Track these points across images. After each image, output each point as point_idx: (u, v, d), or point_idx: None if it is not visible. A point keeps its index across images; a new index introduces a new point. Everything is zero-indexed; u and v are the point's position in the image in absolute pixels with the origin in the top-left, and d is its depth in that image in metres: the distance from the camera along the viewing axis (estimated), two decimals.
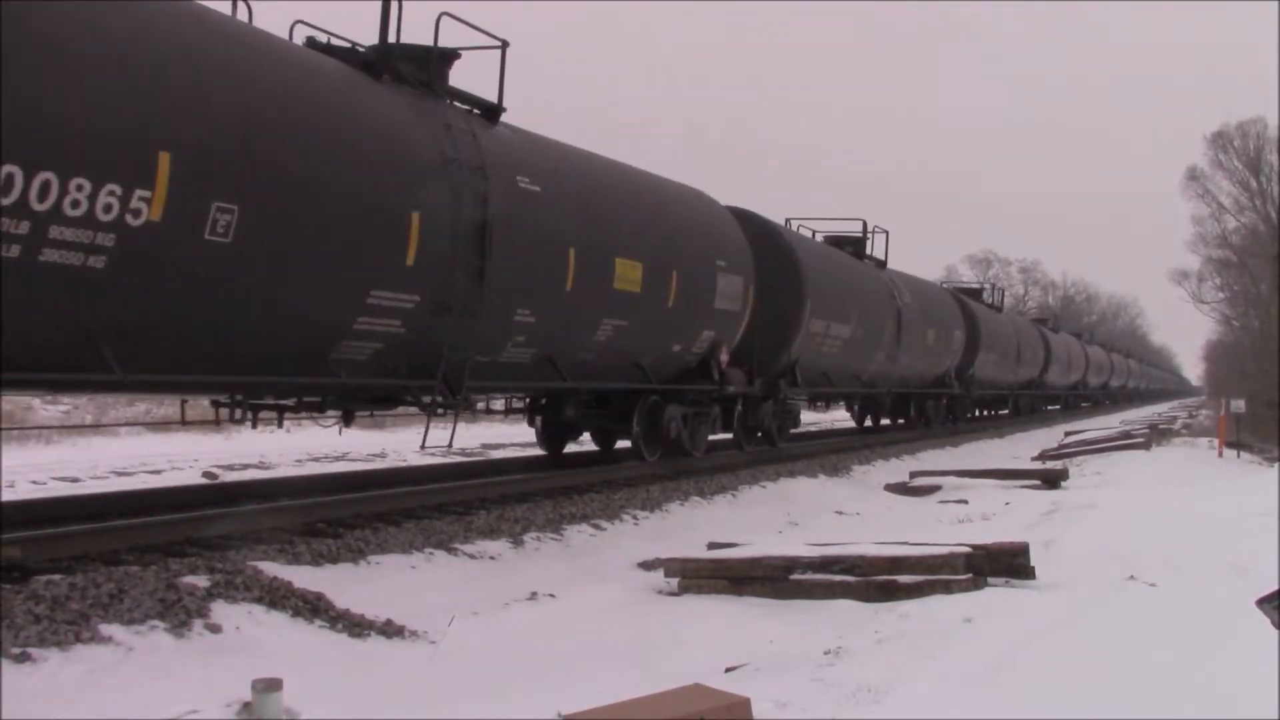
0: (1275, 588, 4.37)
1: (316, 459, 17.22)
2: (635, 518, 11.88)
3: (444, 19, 10.49)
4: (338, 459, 17.34)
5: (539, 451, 16.33)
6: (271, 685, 4.68)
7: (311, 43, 9.93)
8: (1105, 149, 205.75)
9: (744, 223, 17.13)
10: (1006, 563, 8.71)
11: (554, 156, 12.23)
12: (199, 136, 7.45)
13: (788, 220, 20.67)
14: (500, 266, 10.39)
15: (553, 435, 15.70)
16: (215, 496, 10.86)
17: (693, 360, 15.28)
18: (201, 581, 7.00)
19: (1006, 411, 41.47)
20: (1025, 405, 43.47)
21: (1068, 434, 30.56)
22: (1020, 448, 27.78)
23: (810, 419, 30.83)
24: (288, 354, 8.91)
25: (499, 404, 14.78)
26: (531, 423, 15.41)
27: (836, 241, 22.70)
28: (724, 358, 15.73)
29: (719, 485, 14.56)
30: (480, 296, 10.21)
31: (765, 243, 17.52)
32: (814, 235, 21.74)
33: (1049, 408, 51.08)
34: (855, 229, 23.54)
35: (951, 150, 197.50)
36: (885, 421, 28.98)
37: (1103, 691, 5.50)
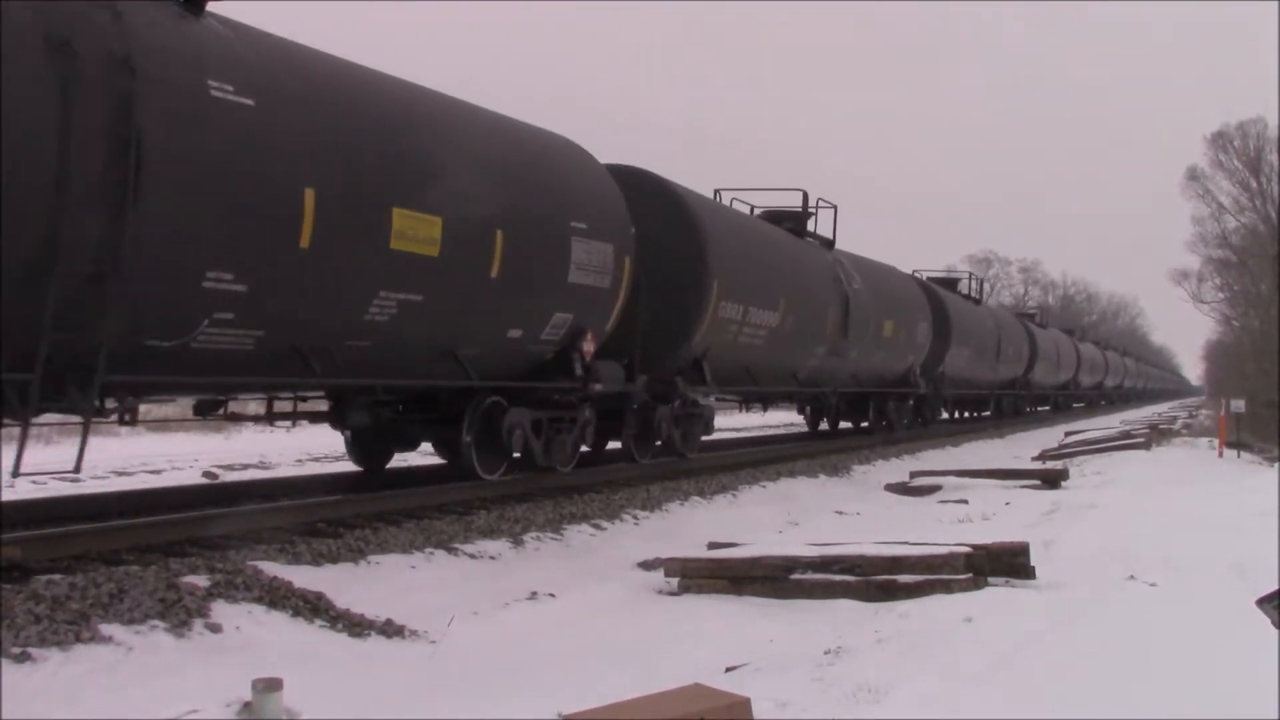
0: (1275, 588, 4.37)
1: (316, 459, 17.22)
2: (635, 517, 11.88)
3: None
4: (338, 459, 17.33)
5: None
6: (272, 685, 4.69)
7: (765, 215, 16.57)
8: (1105, 149, 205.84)
9: (629, 182, 13.72)
10: (1007, 562, 8.71)
11: (291, 63, 8.91)
12: None
13: (717, 192, 18.23)
14: (169, 206, 7.48)
15: (367, 447, 12.48)
16: (215, 496, 10.87)
17: (545, 351, 12.00)
18: (202, 581, 7.01)
19: (989, 413, 37.63)
20: (1009, 406, 39.37)
21: (1068, 434, 30.54)
22: (1020, 448, 27.78)
23: (750, 422, 29.29)
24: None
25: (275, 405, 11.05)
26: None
27: (774, 217, 19.20)
28: (588, 347, 12.36)
29: (719, 485, 14.58)
30: (121, 245, 7.14)
31: (659, 208, 14.29)
32: (753, 211, 18.93)
33: (1038, 409, 47.39)
34: (797, 203, 19.81)
35: (951, 150, 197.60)
36: (845, 424, 25.07)
37: (1103, 691, 5.50)
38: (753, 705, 4.92)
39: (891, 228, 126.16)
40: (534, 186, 11.49)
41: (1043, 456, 24.62)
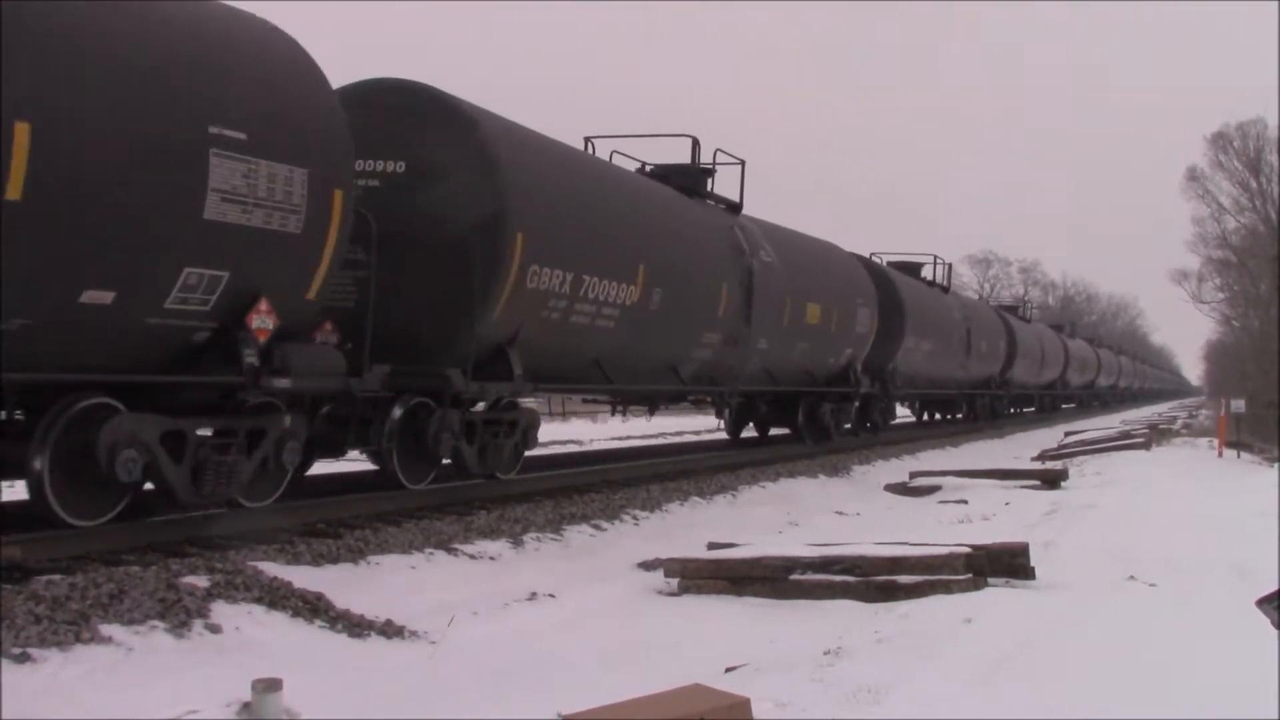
0: (1275, 588, 4.37)
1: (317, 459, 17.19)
2: (635, 518, 11.88)
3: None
4: (338, 459, 17.31)
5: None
6: (271, 685, 4.69)
7: (641, 170, 15.53)
8: (1105, 149, 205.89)
9: (392, 99, 10.77)
10: (1006, 563, 8.71)
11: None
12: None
13: (588, 140, 15.08)
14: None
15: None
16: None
17: (184, 328, 7.75)
18: (201, 581, 7.01)
19: (960, 415, 34.02)
20: (983, 408, 34.75)
21: (1068, 434, 30.56)
22: (1020, 448, 27.79)
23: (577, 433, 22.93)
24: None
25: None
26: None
27: (662, 173, 15.74)
28: (262, 323, 7.82)
29: (719, 485, 14.57)
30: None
31: (437, 135, 10.67)
32: (644, 169, 15.77)
33: (1022, 410, 43.46)
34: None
35: (951, 150, 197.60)
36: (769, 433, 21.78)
37: (1102, 692, 5.50)
38: (753, 705, 4.93)
39: (891, 227, 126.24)
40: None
41: (1042, 457, 24.64)
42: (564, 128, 12.90)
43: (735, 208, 17.13)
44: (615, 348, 13.12)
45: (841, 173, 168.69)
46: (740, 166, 17.21)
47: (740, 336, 16.22)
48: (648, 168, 15.89)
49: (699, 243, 15.10)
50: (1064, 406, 54.07)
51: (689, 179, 15.94)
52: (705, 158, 16.38)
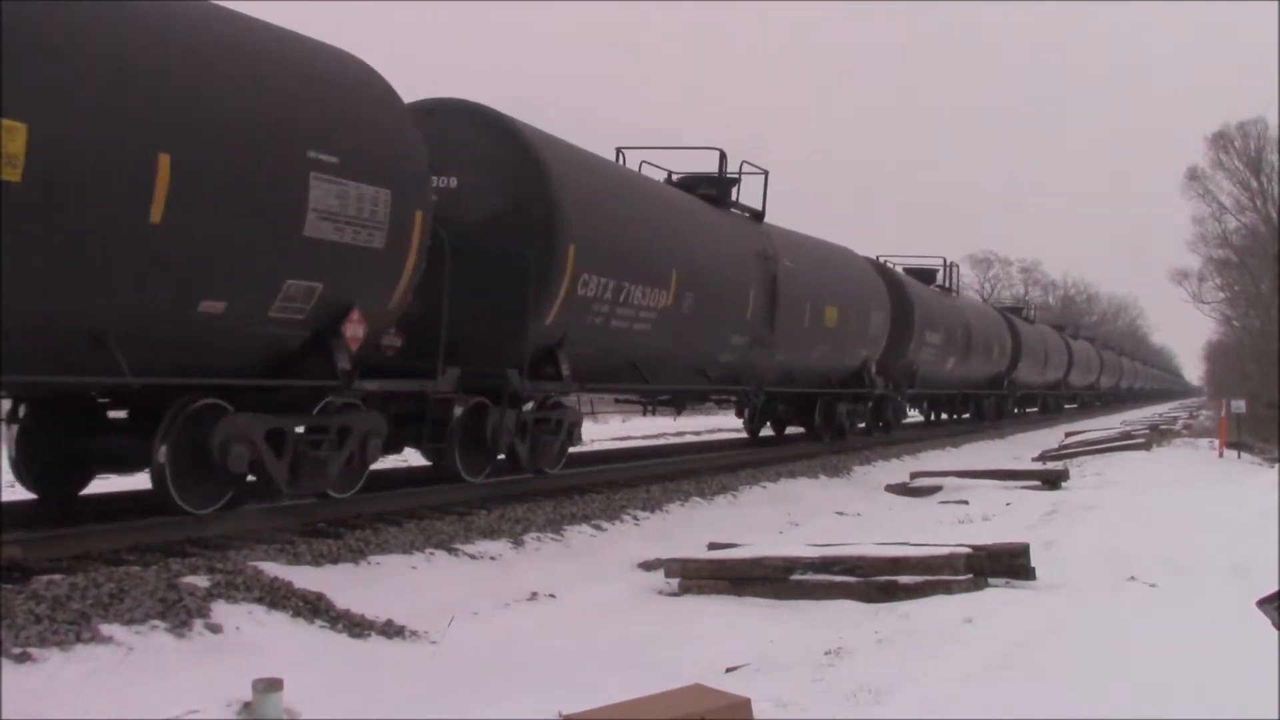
0: (1275, 588, 4.37)
1: None
2: (635, 518, 11.88)
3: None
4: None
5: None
6: (272, 685, 4.69)
7: (669, 180, 16.04)
8: (1106, 149, 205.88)
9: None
10: (1007, 563, 8.71)
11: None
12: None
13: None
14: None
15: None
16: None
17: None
18: (202, 581, 7.01)
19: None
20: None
21: (1068, 434, 30.56)
22: (1021, 448, 27.80)
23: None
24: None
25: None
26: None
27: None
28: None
29: (719, 485, 14.56)
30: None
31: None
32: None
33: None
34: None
35: (951, 150, 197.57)
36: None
37: (1103, 692, 5.50)
38: (753, 705, 4.93)
39: (891, 228, 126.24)
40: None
41: (1043, 457, 24.65)
42: (566, 126, 12.83)
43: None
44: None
45: (842, 172, 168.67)
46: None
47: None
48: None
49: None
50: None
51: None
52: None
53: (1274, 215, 46.82)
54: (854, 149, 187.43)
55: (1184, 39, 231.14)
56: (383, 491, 10.64)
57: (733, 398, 18.77)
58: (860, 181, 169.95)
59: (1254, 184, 48.31)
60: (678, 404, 18.21)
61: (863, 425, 23.20)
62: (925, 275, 28.87)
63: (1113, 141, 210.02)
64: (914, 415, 31.82)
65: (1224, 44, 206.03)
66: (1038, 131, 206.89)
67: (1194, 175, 50.44)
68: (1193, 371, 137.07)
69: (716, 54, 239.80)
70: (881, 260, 25.72)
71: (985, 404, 35.09)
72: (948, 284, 30.45)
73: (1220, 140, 48.77)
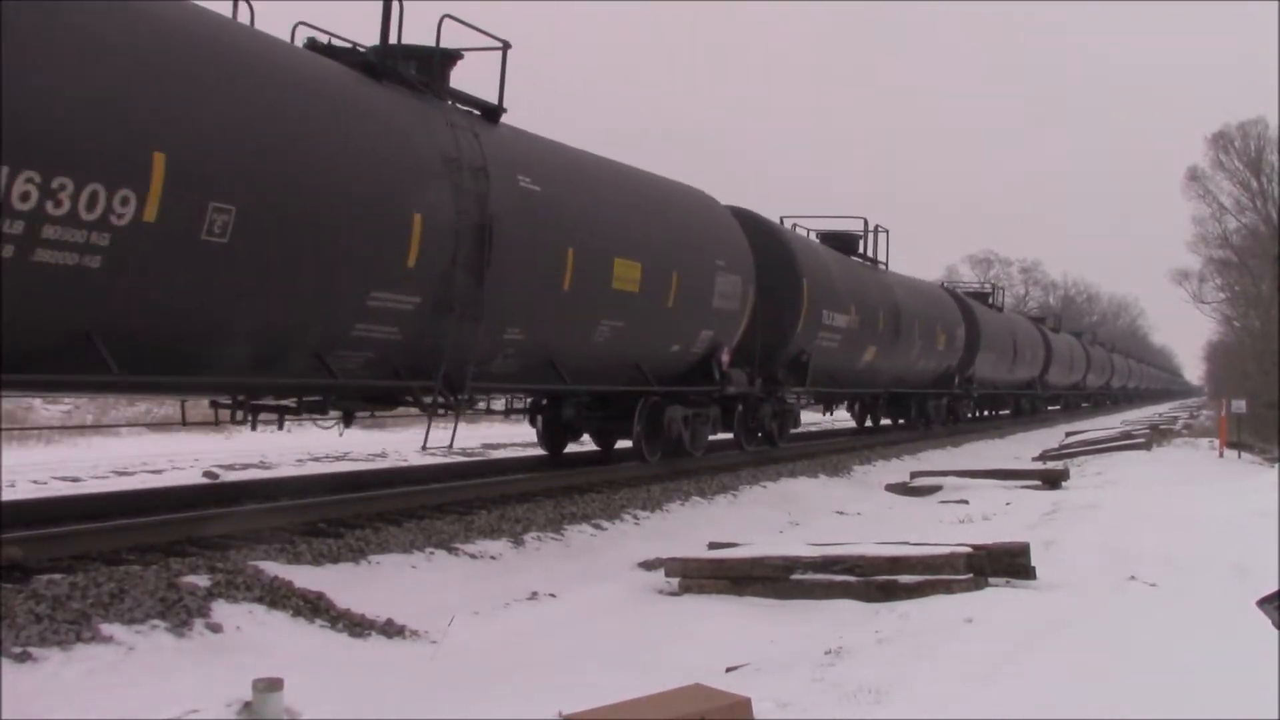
0: (1275, 588, 4.37)
1: (317, 459, 17.22)
2: (636, 517, 11.88)
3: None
4: (338, 459, 17.34)
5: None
6: (272, 685, 4.68)
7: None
8: (1106, 149, 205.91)
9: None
10: (1007, 563, 8.71)
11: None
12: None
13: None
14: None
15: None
16: (216, 496, 10.87)
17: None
18: (202, 581, 7.01)
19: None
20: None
21: (1069, 434, 30.56)
22: (1021, 448, 27.80)
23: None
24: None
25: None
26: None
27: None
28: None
29: (720, 485, 14.56)
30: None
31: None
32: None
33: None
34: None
35: (952, 150, 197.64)
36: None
37: (1103, 692, 5.50)
38: (753, 705, 4.93)
39: (890, 227, 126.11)
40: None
41: (1043, 457, 24.64)
42: (568, 129, 13.03)
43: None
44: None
45: (841, 172, 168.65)
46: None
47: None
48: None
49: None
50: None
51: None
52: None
53: (1274, 215, 46.84)
54: (854, 149, 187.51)
55: (1184, 39, 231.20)
56: (382, 491, 10.66)
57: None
58: (861, 181, 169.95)
59: (1254, 184, 48.33)
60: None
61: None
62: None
63: (1113, 141, 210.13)
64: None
65: (1224, 44, 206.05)
66: (1038, 131, 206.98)
67: (1194, 175, 50.50)
68: (1193, 372, 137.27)
69: (716, 54, 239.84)
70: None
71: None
72: (873, 255, 24.41)
73: (1220, 140, 48.82)
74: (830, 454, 20.25)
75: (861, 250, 23.43)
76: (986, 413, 38.94)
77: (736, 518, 12.88)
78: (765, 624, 7.69)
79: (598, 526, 11.12)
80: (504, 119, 11.56)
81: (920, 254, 70.69)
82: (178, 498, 10.59)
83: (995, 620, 7.12)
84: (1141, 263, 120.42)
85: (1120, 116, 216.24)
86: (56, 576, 6.80)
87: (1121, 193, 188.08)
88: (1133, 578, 8.58)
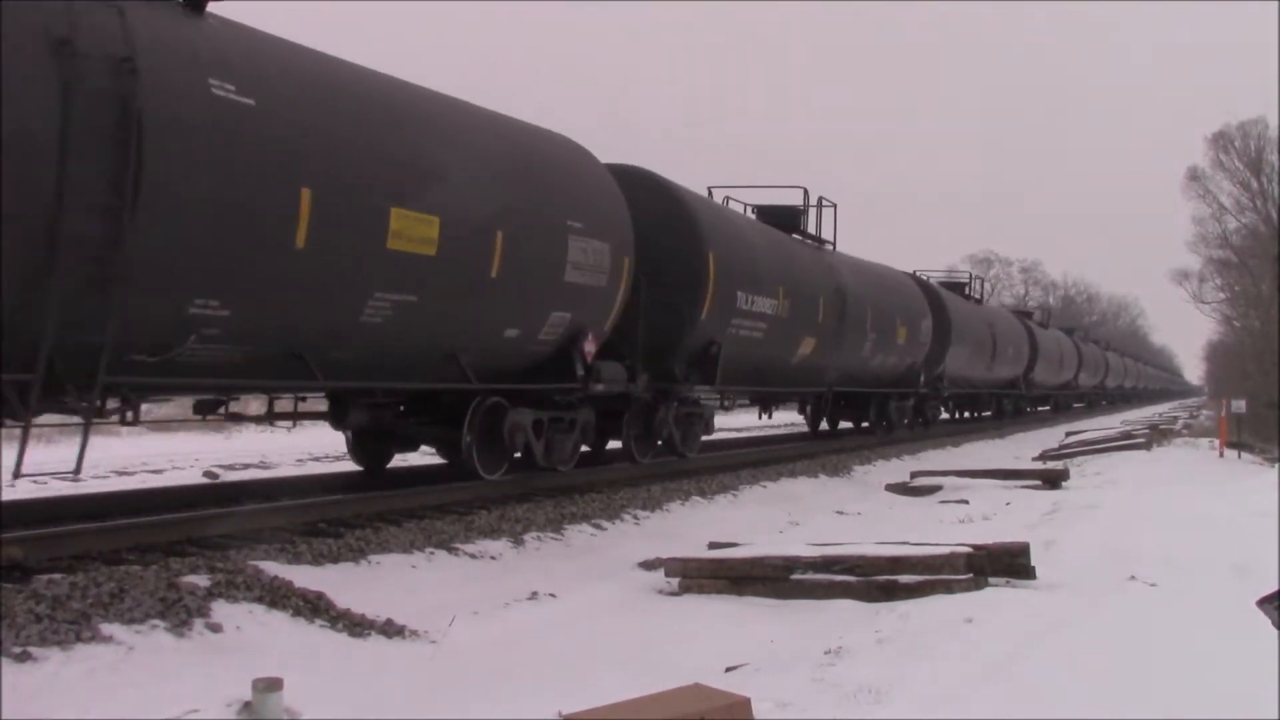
0: (1275, 588, 4.38)
1: (317, 459, 17.22)
2: (636, 517, 11.88)
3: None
4: (338, 458, 17.33)
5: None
6: (272, 685, 4.69)
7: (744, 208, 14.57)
8: (1106, 149, 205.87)
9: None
10: (1007, 563, 8.71)
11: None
12: None
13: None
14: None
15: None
16: (216, 496, 10.87)
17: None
18: (202, 581, 7.01)
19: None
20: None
21: (1068, 434, 30.56)
22: (1021, 448, 27.79)
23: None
24: None
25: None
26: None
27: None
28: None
29: (720, 485, 14.57)
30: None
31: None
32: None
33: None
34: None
35: (951, 150, 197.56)
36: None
37: (1103, 692, 5.50)
38: (753, 705, 4.93)
39: (892, 228, 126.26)
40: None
41: (1043, 457, 24.64)
42: (566, 123, 12.85)
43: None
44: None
45: (842, 171, 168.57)
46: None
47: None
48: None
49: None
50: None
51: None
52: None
53: (1274, 215, 46.82)
54: (854, 149, 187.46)
55: (1184, 39, 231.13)
56: (383, 491, 10.67)
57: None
58: (861, 181, 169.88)
59: (1254, 184, 48.30)
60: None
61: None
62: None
63: (1113, 141, 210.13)
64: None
65: (1224, 44, 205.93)
66: (1038, 131, 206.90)
67: (1194, 175, 50.46)
68: (1193, 372, 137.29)
69: (715, 54, 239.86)
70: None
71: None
72: (819, 233, 20.93)
73: (1220, 140, 48.78)
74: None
75: (806, 229, 19.80)
76: (967, 414, 35.61)
77: (736, 518, 12.88)
78: (765, 624, 7.69)
79: (598, 526, 11.12)
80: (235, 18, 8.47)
81: (920, 254, 70.84)
82: (178, 498, 10.59)
83: (995, 620, 7.12)
84: (1141, 263, 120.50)
85: (1120, 116, 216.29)
86: (56, 576, 6.80)
87: (1121, 193, 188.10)
88: (1133, 578, 8.58)
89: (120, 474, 14.41)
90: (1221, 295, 56.55)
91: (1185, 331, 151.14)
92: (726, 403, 17.82)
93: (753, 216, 18.52)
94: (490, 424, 11.43)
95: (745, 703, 4.88)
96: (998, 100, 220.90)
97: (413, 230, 9.48)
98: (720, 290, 14.92)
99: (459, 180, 10.10)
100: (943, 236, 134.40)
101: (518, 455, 12.05)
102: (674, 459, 15.33)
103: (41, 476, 11.65)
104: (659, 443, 14.96)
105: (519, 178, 11.16)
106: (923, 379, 25.81)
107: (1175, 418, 49.64)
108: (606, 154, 13.84)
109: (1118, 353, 74.59)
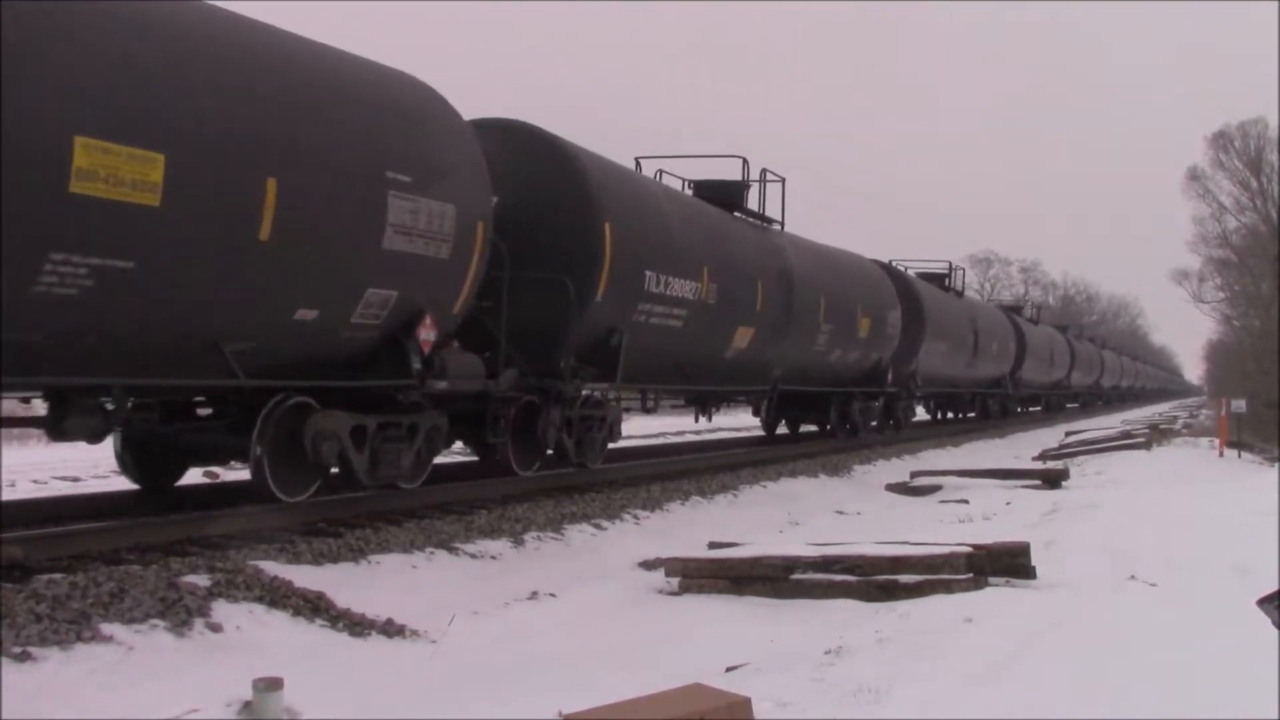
0: (1275, 588, 4.38)
1: None
2: (636, 517, 11.88)
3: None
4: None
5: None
6: (272, 685, 4.69)
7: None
8: (1106, 149, 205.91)
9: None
10: (1007, 562, 8.71)
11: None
12: None
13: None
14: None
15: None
16: (216, 495, 10.85)
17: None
18: (202, 581, 7.01)
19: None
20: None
21: (1068, 434, 30.57)
22: (1021, 448, 27.80)
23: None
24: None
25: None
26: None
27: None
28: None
29: (720, 485, 14.56)
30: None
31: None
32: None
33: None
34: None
35: (951, 150, 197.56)
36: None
37: (1103, 691, 5.50)
38: (753, 705, 4.93)
39: (892, 228, 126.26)
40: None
41: (1043, 456, 24.64)
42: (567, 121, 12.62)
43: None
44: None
45: (841, 171, 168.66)
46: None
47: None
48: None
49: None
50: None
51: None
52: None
53: (1274, 215, 46.86)
54: (854, 149, 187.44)
55: (1184, 39, 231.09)
56: (383, 491, 10.67)
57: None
58: (861, 181, 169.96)
59: (1254, 184, 48.37)
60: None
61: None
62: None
63: (1113, 141, 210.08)
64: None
65: (1224, 44, 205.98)
66: (1038, 131, 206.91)
67: (1194, 175, 50.56)
68: (1193, 371, 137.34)
69: (715, 53, 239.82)
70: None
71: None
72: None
73: (1220, 140, 48.86)
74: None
75: (754, 206, 17.40)
76: (950, 415, 34.18)
77: (736, 517, 12.88)
78: (765, 624, 7.69)
79: (598, 526, 11.12)
80: None
81: (920, 253, 70.68)
82: (178, 498, 10.57)
83: (995, 620, 7.12)
84: (1141, 263, 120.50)
85: (1120, 116, 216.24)
86: (56, 576, 6.79)
87: (1121, 193, 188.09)
88: (1133, 578, 8.58)
89: (121, 474, 14.38)
90: (1221, 295, 56.68)
91: (1185, 331, 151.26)
92: (651, 404, 15.68)
93: (689, 193, 16.19)
94: (292, 431, 9.12)
95: (745, 703, 4.88)
96: (998, 100, 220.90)
97: (118, 170, 6.89)
98: (621, 268, 12.34)
99: (203, 106, 7.55)
100: (943, 236, 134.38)
101: (335, 470, 9.72)
102: (571, 470, 12.98)
103: (41, 477, 11.70)
104: (548, 451, 12.54)
105: (307, 112, 8.49)
106: (891, 377, 23.01)
107: (1175, 417, 49.62)
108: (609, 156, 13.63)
109: (1114, 351, 73.23)
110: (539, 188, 11.88)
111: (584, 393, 12.84)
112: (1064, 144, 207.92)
